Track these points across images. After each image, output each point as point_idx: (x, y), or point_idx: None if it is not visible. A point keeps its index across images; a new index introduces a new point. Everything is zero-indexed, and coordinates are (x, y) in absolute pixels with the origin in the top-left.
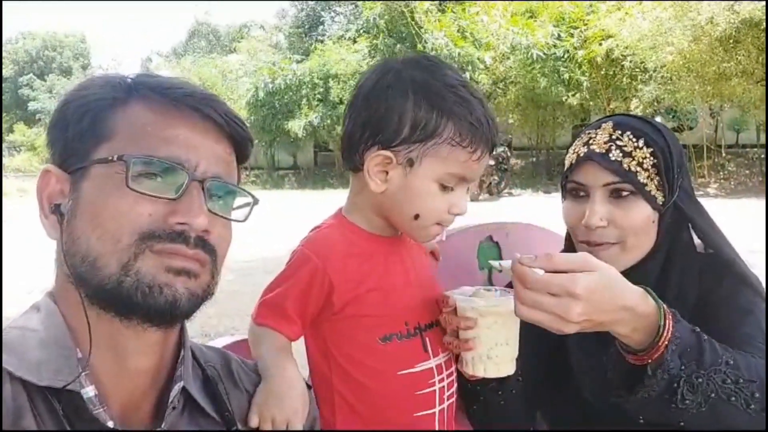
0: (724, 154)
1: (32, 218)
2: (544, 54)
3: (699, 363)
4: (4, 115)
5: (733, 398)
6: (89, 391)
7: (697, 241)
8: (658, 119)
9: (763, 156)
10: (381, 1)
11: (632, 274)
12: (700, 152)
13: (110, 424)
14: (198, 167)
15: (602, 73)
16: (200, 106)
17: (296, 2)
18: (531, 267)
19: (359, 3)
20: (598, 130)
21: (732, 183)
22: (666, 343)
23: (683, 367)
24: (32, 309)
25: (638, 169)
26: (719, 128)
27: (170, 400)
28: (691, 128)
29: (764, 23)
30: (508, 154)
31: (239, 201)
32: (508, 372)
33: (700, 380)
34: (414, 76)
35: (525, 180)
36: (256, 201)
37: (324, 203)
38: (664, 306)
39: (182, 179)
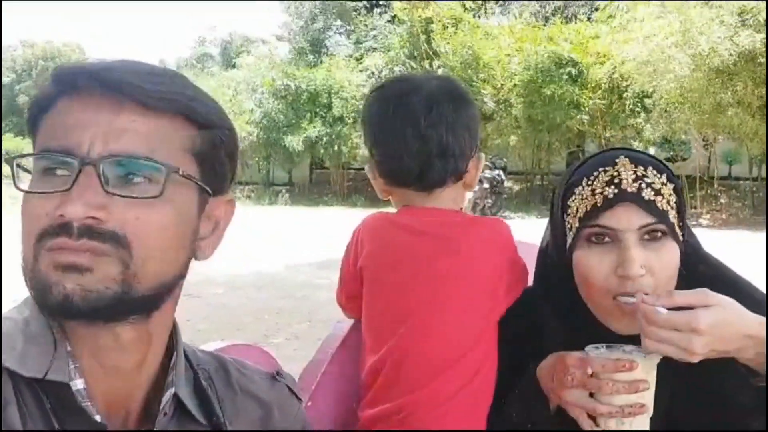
0: (716, 186)
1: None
2: (550, 72)
3: None
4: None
5: None
6: (78, 384)
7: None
8: (652, 150)
9: (755, 189)
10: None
11: None
12: (692, 183)
13: (98, 418)
14: (92, 149)
15: (602, 98)
16: (87, 81)
17: (301, 18)
18: (654, 305)
19: (366, 21)
20: (616, 168)
21: (724, 215)
22: None
23: None
24: (24, 302)
25: (668, 207)
26: (712, 160)
27: (162, 406)
28: (684, 159)
29: (762, 56)
30: (503, 177)
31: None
32: (644, 426)
33: None
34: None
35: (519, 204)
36: (169, 170)
37: (318, 220)
38: None
39: (74, 166)
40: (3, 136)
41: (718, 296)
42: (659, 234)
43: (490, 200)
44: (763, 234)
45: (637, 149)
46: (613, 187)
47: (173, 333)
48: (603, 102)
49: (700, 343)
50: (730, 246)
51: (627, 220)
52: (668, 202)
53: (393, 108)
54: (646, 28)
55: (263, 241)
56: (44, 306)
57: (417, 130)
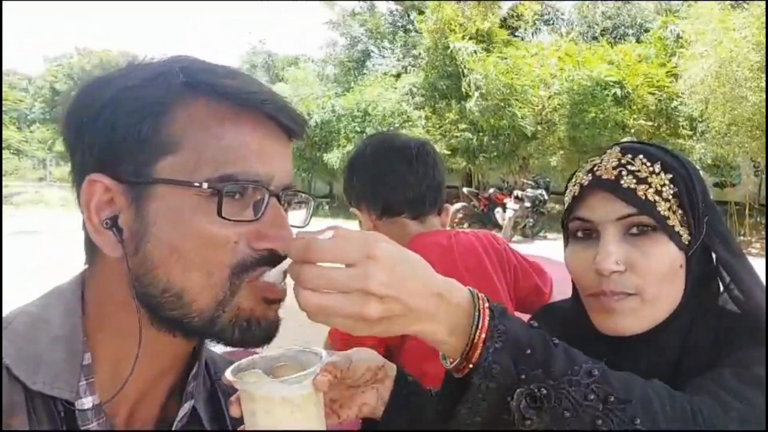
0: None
1: (73, 226)
2: (595, 94)
3: (546, 370)
4: (53, 126)
5: (600, 421)
6: (85, 403)
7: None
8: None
9: None
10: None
11: (653, 342)
12: (741, 210)
13: None
14: (273, 179)
15: (649, 119)
16: (266, 107)
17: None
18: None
19: (406, 39)
20: (603, 156)
21: None
22: (483, 337)
23: (522, 376)
24: (55, 296)
25: (657, 198)
26: (762, 186)
27: (179, 417)
28: (734, 185)
29: None
30: (546, 197)
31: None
32: None
33: (545, 392)
34: None
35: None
36: (314, 201)
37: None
38: (479, 293)
39: (260, 195)
40: (60, 140)
41: (389, 242)
42: (647, 228)
43: (531, 220)
44: None
45: (645, 141)
46: (590, 175)
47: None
48: (650, 124)
49: (380, 278)
50: None
51: (603, 210)
52: (658, 193)
53: (386, 151)
54: (701, 51)
55: None
56: (236, 339)
57: (411, 167)
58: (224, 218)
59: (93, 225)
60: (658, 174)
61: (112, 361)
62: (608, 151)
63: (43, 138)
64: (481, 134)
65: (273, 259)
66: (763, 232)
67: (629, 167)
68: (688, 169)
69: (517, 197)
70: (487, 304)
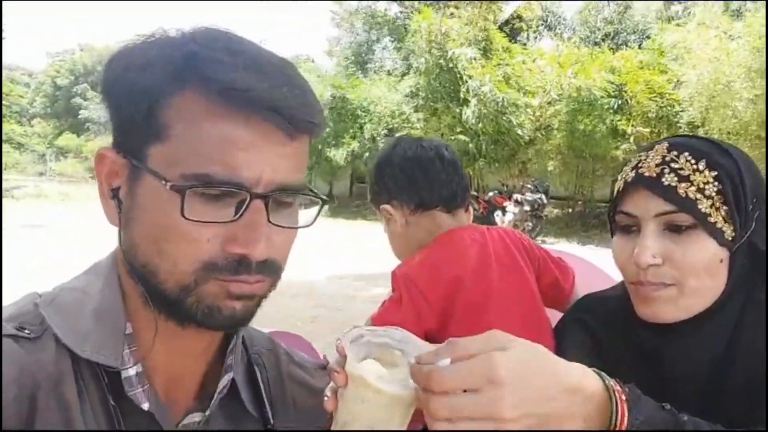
0: None
1: (73, 221)
2: (594, 102)
3: None
4: (54, 121)
5: None
6: (130, 371)
7: None
8: None
9: None
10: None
11: (697, 331)
12: None
13: (145, 406)
14: (260, 181)
15: (649, 126)
16: (263, 105)
17: (352, 33)
18: (430, 363)
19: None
20: (650, 152)
21: None
22: (622, 430)
23: None
24: (94, 271)
25: (699, 196)
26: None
27: (219, 390)
28: None
29: None
30: (545, 201)
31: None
32: None
33: None
34: None
35: (560, 229)
36: (324, 202)
37: (356, 234)
38: (612, 381)
39: (241, 197)
40: (62, 135)
41: (511, 336)
42: (684, 225)
43: (530, 223)
44: None
45: (699, 135)
46: (634, 172)
47: None
48: (650, 131)
49: (506, 402)
50: None
51: (644, 206)
52: (700, 190)
53: (417, 150)
54: (703, 57)
55: (300, 249)
56: (200, 321)
57: (442, 165)
58: (186, 218)
59: (103, 194)
60: (702, 171)
61: (145, 330)
62: (656, 146)
63: (43, 132)
64: (479, 139)
65: (244, 264)
66: None
67: (672, 165)
68: (738, 165)
69: (516, 201)
70: (624, 396)
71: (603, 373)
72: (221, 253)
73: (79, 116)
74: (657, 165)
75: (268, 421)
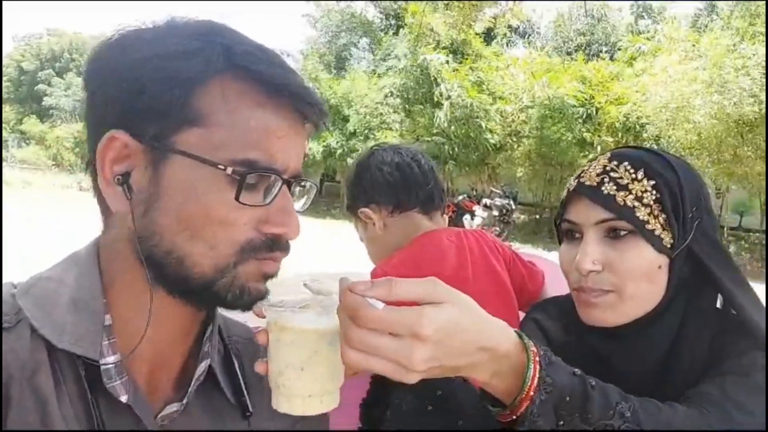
0: (726, 236)
1: (34, 210)
2: (564, 110)
3: (583, 416)
4: (17, 106)
5: None
6: (108, 362)
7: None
8: None
9: (765, 241)
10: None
11: (640, 336)
12: None
13: (124, 398)
14: (288, 168)
15: (618, 138)
16: (296, 100)
17: (328, 33)
18: (365, 295)
19: (389, 40)
20: (593, 162)
21: None
22: (533, 392)
23: (561, 423)
24: (72, 261)
25: (636, 204)
26: (723, 209)
27: (197, 376)
28: None
29: None
30: (513, 207)
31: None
32: (300, 411)
33: None
34: None
35: (527, 235)
36: (317, 189)
37: (324, 233)
38: (531, 343)
39: (274, 182)
40: (24, 120)
41: (454, 291)
42: (623, 232)
43: (498, 228)
44: None
45: (644, 147)
46: (576, 181)
47: None
48: (615, 141)
49: (422, 355)
50: None
51: (585, 214)
52: (638, 199)
53: (395, 155)
54: (669, 72)
55: None
56: (229, 302)
57: (420, 168)
58: (241, 203)
59: (105, 179)
60: (641, 180)
61: (128, 320)
62: (599, 156)
63: (6, 118)
64: (451, 142)
65: (278, 243)
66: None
67: (612, 174)
68: (678, 174)
69: (485, 205)
70: (538, 358)
71: (526, 337)
72: (257, 234)
73: (43, 103)
74: (598, 174)
75: (246, 408)
